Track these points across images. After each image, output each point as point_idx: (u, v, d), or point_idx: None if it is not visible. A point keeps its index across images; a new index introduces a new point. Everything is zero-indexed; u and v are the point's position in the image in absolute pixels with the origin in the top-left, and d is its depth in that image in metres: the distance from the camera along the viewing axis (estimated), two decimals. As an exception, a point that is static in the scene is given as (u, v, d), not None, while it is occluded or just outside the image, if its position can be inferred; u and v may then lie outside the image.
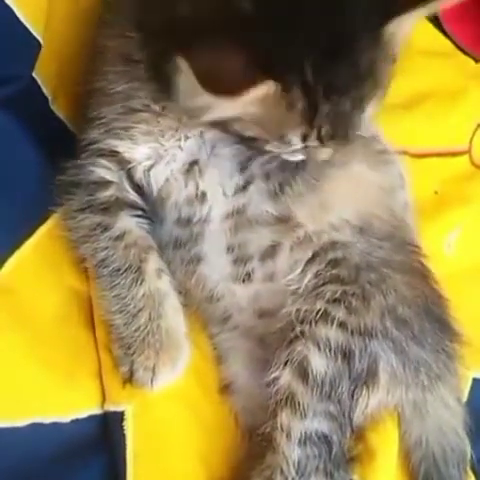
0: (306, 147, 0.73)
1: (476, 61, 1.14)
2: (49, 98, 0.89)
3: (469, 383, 0.96)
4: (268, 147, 0.73)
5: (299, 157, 0.77)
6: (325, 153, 0.75)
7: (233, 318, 0.88)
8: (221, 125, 0.73)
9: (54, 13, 0.85)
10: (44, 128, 0.87)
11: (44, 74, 0.86)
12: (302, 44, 0.65)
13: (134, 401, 0.83)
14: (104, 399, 0.84)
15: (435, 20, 1.14)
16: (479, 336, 0.89)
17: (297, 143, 0.72)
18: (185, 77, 0.64)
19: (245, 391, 0.88)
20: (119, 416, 0.83)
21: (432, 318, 0.86)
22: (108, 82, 0.79)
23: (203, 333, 0.90)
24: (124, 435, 0.82)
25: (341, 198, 0.84)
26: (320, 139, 0.72)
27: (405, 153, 1.03)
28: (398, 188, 0.92)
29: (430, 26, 1.14)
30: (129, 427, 0.82)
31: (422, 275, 0.87)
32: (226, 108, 0.67)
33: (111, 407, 0.83)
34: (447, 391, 0.87)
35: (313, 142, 0.72)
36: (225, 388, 0.89)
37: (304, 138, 0.71)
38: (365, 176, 0.87)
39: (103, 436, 0.83)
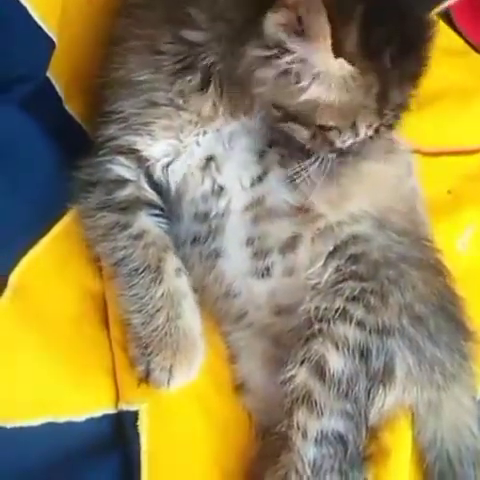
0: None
1: (490, 59, 1.14)
2: (62, 97, 0.89)
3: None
4: (338, 140, 0.76)
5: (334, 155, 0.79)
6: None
7: (249, 315, 0.87)
8: (307, 117, 0.74)
9: (68, 12, 0.85)
10: (58, 127, 0.87)
11: (57, 73, 0.86)
12: (387, 34, 0.70)
13: (148, 400, 0.83)
14: (118, 398, 0.84)
15: (448, 19, 1.13)
16: None
17: (362, 133, 0.76)
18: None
19: (259, 390, 0.87)
20: (133, 415, 0.82)
21: (447, 316, 0.85)
22: (129, 71, 0.78)
23: (217, 332, 0.90)
24: (138, 434, 0.82)
25: (359, 188, 0.84)
26: (378, 130, 0.77)
27: (418, 152, 1.02)
28: (406, 176, 0.91)
29: (443, 25, 1.13)
30: (143, 426, 0.82)
31: (438, 272, 0.87)
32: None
33: (125, 406, 0.83)
34: (462, 390, 0.87)
35: (371, 132, 0.77)
36: (239, 387, 0.88)
37: (368, 127, 0.76)
38: (380, 167, 0.87)
39: (117, 435, 0.83)
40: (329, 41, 0.65)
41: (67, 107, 0.90)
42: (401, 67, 0.72)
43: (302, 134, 0.77)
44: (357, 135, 0.76)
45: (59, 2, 0.84)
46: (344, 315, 0.80)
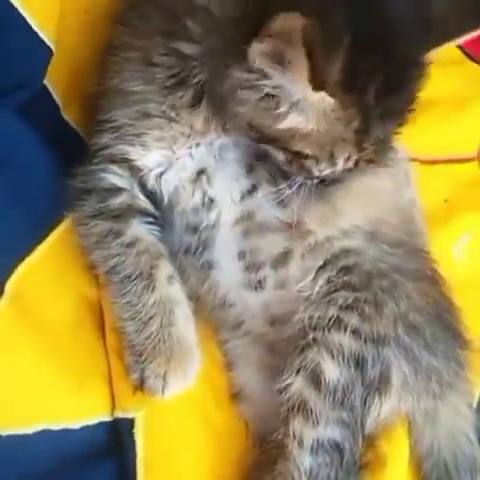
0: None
1: (485, 68, 1.15)
2: (60, 105, 0.89)
3: (479, 391, 0.95)
4: (315, 169, 0.76)
5: (315, 180, 0.80)
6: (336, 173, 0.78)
7: (245, 324, 0.87)
8: (284, 142, 0.75)
9: (65, 21, 0.86)
10: (55, 134, 0.87)
11: (55, 81, 0.86)
12: (372, 70, 0.69)
13: (144, 408, 0.82)
14: (114, 406, 0.84)
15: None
16: None
17: (340, 164, 0.76)
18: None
19: (256, 398, 0.87)
20: (129, 423, 0.82)
21: (443, 326, 0.85)
22: (123, 80, 0.79)
23: (213, 340, 0.90)
24: (134, 442, 0.82)
25: (351, 204, 0.84)
26: (357, 163, 0.77)
27: (415, 160, 1.02)
28: (404, 185, 0.92)
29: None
30: (139, 434, 0.82)
31: (433, 282, 0.87)
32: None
33: (121, 414, 0.83)
34: (458, 398, 0.87)
35: (351, 164, 0.76)
36: (235, 395, 0.88)
37: (347, 159, 0.76)
38: (374, 181, 0.87)
39: (113, 443, 0.83)
40: (307, 75, 0.65)
41: (64, 115, 0.90)
42: (384, 104, 0.71)
43: (278, 157, 0.78)
44: (334, 166, 0.76)
45: (57, 10, 0.84)
46: (338, 324, 0.80)
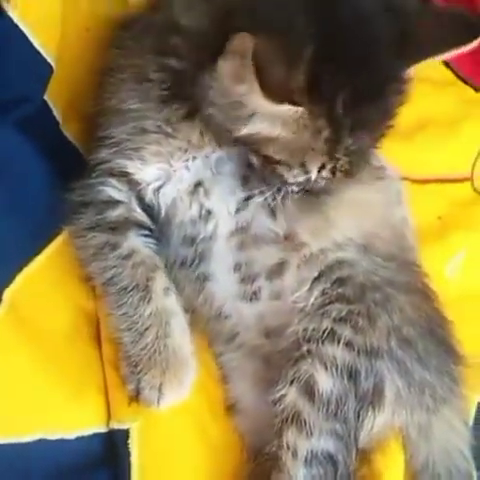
0: (315, 179, 0.77)
1: (476, 90, 1.16)
2: (59, 121, 0.90)
3: (474, 407, 0.96)
4: (287, 175, 0.77)
5: (295, 190, 0.81)
6: (319, 184, 0.79)
7: (240, 336, 0.88)
8: (254, 145, 0.76)
9: (66, 39, 0.88)
10: (55, 149, 0.89)
11: (55, 98, 0.88)
12: (340, 82, 0.70)
13: (140, 419, 0.83)
14: (109, 417, 0.84)
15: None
16: None
17: (314, 173, 0.76)
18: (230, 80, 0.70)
19: (250, 411, 0.87)
20: (124, 434, 0.83)
21: (436, 340, 0.86)
22: (120, 100, 0.81)
23: (209, 351, 0.91)
24: (129, 453, 0.82)
25: (344, 216, 0.86)
26: (333, 172, 0.77)
27: (406, 179, 1.03)
28: (396, 204, 0.93)
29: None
30: (134, 445, 0.82)
31: (426, 296, 0.88)
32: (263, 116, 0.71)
33: (116, 425, 0.83)
34: (452, 413, 0.87)
35: (327, 174, 0.77)
36: (230, 407, 0.89)
37: (321, 168, 0.76)
38: (366, 195, 0.88)
39: (108, 454, 0.83)
40: (260, 91, 0.66)
41: (64, 130, 0.91)
42: (355, 115, 0.72)
43: (252, 161, 0.80)
44: (308, 173, 0.77)
45: (58, 28, 0.86)
46: (332, 336, 0.81)
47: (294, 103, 0.68)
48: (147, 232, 0.85)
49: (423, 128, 1.10)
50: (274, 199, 0.82)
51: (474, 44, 0.76)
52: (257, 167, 0.80)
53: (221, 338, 0.89)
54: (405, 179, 1.02)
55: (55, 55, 0.85)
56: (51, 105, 0.88)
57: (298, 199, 0.83)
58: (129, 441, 0.82)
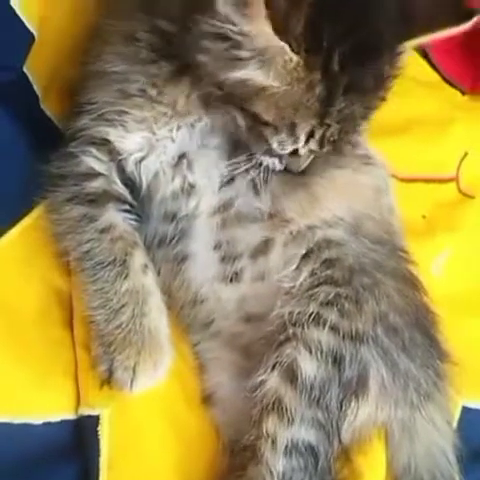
0: (302, 150, 0.76)
1: (463, 93, 1.16)
2: (39, 96, 0.88)
3: (458, 411, 0.93)
4: (273, 140, 0.74)
5: (278, 166, 0.79)
6: (303, 163, 0.78)
7: (216, 323, 0.85)
8: (243, 101, 0.73)
9: (50, 8, 0.85)
10: (33, 125, 0.86)
11: (37, 70, 0.86)
12: (339, 34, 0.68)
13: (111, 405, 0.79)
14: (79, 403, 0.80)
15: (424, 53, 1.16)
16: (468, 362, 0.87)
17: (302, 140, 0.74)
18: None
19: (228, 402, 0.84)
20: (94, 420, 0.78)
21: (422, 331, 0.84)
22: (105, 62, 0.78)
23: (186, 341, 0.87)
24: (98, 441, 0.78)
25: (333, 196, 0.84)
26: (321, 142, 0.75)
27: (393, 177, 1.02)
28: (384, 191, 0.91)
29: (419, 58, 1.16)
30: (104, 432, 0.78)
31: (413, 285, 0.86)
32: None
33: (86, 410, 0.79)
34: (437, 412, 0.85)
35: (314, 145, 0.75)
36: (207, 398, 0.85)
37: (309, 136, 0.74)
38: (355, 176, 0.87)
39: (76, 442, 0.79)
40: (267, 20, 0.64)
41: (43, 106, 0.89)
42: (350, 75, 0.70)
43: (239, 122, 0.77)
44: (296, 140, 0.75)
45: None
46: (318, 319, 0.78)
47: (292, 47, 0.66)
48: (127, 207, 0.82)
49: (411, 128, 1.10)
50: (258, 174, 0.80)
51: (465, 26, 0.75)
52: (243, 130, 0.77)
53: (196, 325, 0.86)
54: (393, 176, 1.00)
55: (37, 25, 0.83)
56: (31, 79, 0.86)
57: (284, 177, 0.81)
58: (99, 428, 0.78)
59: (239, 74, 0.70)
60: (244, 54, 0.69)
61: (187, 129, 0.80)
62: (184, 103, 0.79)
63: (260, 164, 0.79)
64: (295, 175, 0.81)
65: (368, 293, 0.80)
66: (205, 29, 0.70)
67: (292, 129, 0.73)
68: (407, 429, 0.84)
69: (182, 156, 0.81)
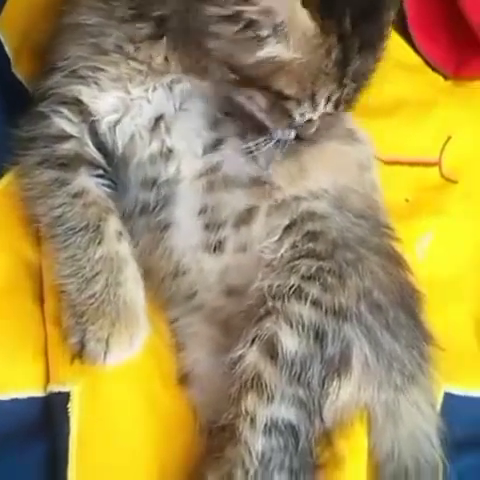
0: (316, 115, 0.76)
1: (445, 78, 1.15)
2: (11, 59, 0.85)
3: (441, 397, 0.90)
4: (296, 112, 0.74)
5: (292, 136, 0.78)
6: (313, 128, 0.77)
7: (198, 296, 0.81)
8: (265, 79, 0.72)
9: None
10: (3, 88, 0.83)
11: (9, 30, 0.84)
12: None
13: (82, 381, 0.75)
14: (48, 380, 0.76)
15: (408, 37, 1.14)
16: (450, 348, 0.85)
17: (321, 106, 0.74)
18: None
19: (205, 381, 0.81)
20: (64, 397, 0.75)
21: (407, 311, 0.81)
22: (79, 14, 0.75)
23: (163, 319, 0.83)
24: (68, 418, 0.74)
25: (320, 167, 0.82)
26: (337, 103, 0.75)
27: (377, 159, 1.00)
28: (367, 168, 0.89)
29: (403, 42, 1.14)
30: (74, 410, 0.74)
31: (397, 262, 0.83)
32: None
33: (55, 387, 0.75)
34: (420, 394, 0.82)
35: (330, 108, 0.75)
36: (184, 378, 0.82)
37: (327, 100, 0.74)
38: (342, 149, 0.85)
39: (45, 419, 0.75)
40: None
41: (15, 70, 0.86)
42: (361, 33, 0.71)
43: (259, 103, 0.75)
44: (316, 107, 0.74)
45: None
46: (299, 293, 0.75)
47: (311, 15, 0.66)
48: (100, 172, 0.78)
49: (394, 111, 1.07)
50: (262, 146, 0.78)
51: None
52: (263, 113, 0.76)
53: (178, 299, 0.82)
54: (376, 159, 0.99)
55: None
56: (3, 40, 0.83)
57: (274, 145, 0.79)
58: (69, 405, 0.74)
59: (262, 53, 0.68)
60: (264, 32, 0.67)
61: (164, 90, 0.77)
62: (161, 62, 0.76)
63: (267, 140, 0.78)
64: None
65: (351, 268, 0.78)
66: (215, 13, 0.68)
67: (313, 98, 0.73)
68: (391, 413, 0.81)
69: (159, 119, 0.78)
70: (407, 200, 1.04)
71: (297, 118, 0.75)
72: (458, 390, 0.92)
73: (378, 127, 1.04)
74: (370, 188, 0.87)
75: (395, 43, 1.13)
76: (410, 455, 0.82)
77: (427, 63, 1.15)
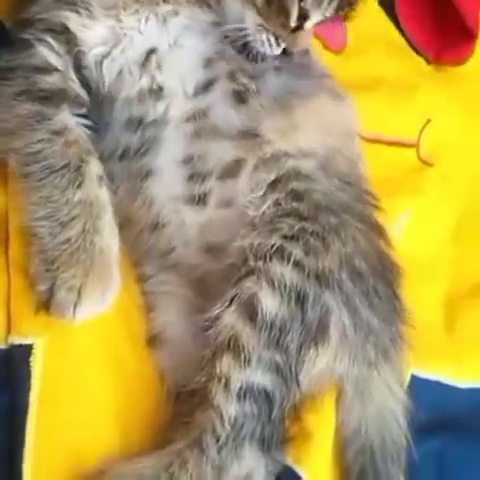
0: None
1: (428, 62, 1.14)
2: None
3: (408, 378, 0.88)
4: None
5: (278, 50, 0.77)
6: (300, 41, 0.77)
7: (176, 252, 0.77)
8: None
9: None
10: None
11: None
12: None
13: (46, 334, 0.70)
14: (9, 331, 0.71)
15: (394, 18, 1.13)
16: (421, 329, 0.83)
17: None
18: None
19: (176, 343, 0.77)
20: (26, 350, 0.70)
21: (386, 283, 0.79)
22: None
23: (133, 277, 0.79)
24: (29, 373, 0.70)
25: (310, 125, 0.79)
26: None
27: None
28: (353, 134, 0.87)
29: (390, 24, 1.13)
30: (36, 364, 0.70)
31: (379, 232, 0.81)
32: None
33: (17, 339, 0.71)
34: (392, 374, 0.81)
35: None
36: (153, 340, 0.78)
37: None
38: (334, 108, 0.82)
39: (6, 374, 0.70)
40: None
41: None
42: None
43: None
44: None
45: None
46: (281, 253, 0.72)
47: None
48: (83, 111, 0.73)
49: (375, 87, 1.06)
50: (243, 85, 0.75)
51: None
52: (259, 12, 0.76)
53: (154, 253, 0.78)
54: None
55: None
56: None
57: (268, 93, 0.77)
58: (31, 359, 0.70)
59: None
60: None
61: (157, 21, 0.74)
62: None
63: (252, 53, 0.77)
64: (277, 94, 0.78)
65: (334, 233, 0.75)
66: None
67: None
68: (360, 390, 0.79)
69: (151, 53, 0.74)
70: (385, 179, 1.02)
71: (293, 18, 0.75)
72: (423, 373, 0.90)
73: (358, 102, 1.03)
74: (356, 155, 0.85)
75: (382, 21, 1.14)
76: (377, 433, 0.80)
77: (411, 46, 1.14)
